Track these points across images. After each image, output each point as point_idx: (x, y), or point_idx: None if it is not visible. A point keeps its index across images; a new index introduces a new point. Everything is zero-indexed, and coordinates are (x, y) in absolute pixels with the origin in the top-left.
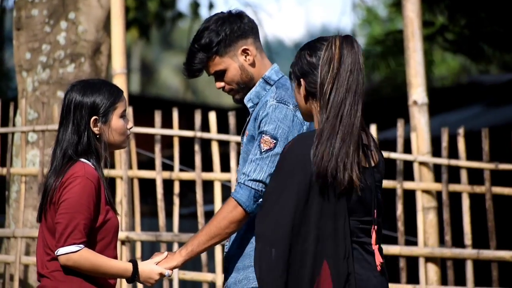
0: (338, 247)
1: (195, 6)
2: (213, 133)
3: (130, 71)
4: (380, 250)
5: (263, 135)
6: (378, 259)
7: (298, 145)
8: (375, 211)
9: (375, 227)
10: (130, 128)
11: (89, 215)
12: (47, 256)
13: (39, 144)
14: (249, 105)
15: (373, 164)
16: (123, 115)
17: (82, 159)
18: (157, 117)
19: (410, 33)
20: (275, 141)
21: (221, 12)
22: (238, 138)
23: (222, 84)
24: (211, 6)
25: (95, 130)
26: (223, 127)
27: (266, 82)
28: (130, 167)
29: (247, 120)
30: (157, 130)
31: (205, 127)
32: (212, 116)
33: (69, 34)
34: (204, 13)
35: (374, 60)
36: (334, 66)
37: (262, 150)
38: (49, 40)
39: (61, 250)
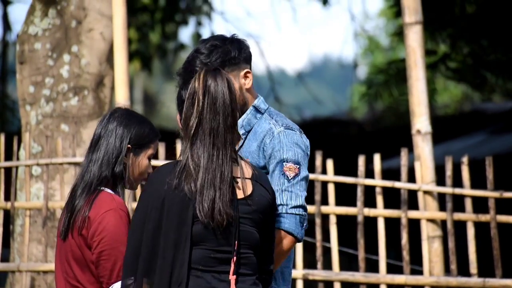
0: (174, 274)
1: (197, 37)
2: None
3: (133, 102)
4: (241, 281)
5: (284, 163)
6: None
7: (158, 176)
8: (236, 242)
9: (234, 258)
10: (150, 173)
11: None
12: None
13: (43, 178)
14: (241, 132)
15: (241, 196)
16: (150, 158)
17: (106, 189)
18: (161, 149)
19: (413, 62)
20: (298, 166)
21: (222, 35)
22: None
23: None
24: None
25: (124, 159)
26: None
27: (257, 110)
28: (134, 199)
29: (239, 146)
30: (162, 162)
31: None
32: None
33: (72, 67)
34: None
35: (376, 89)
36: (197, 100)
37: (290, 178)
38: (52, 73)
39: (115, 286)
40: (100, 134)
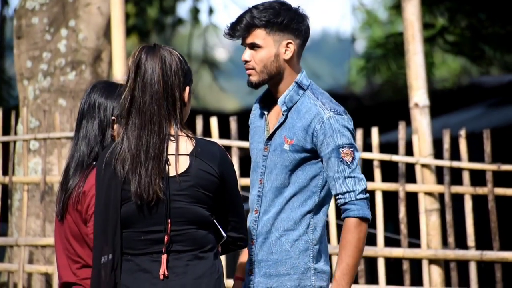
0: (109, 260)
1: (195, 12)
2: (214, 138)
3: None
4: (175, 258)
5: (340, 149)
6: (162, 269)
7: (100, 157)
8: (170, 220)
9: (166, 237)
10: None
11: None
12: (76, 264)
13: (41, 152)
14: (283, 108)
15: (173, 173)
16: None
17: None
18: None
19: (411, 36)
20: (352, 149)
21: (287, 2)
22: (239, 143)
23: (249, 58)
24: (211, 11)
25: (111, 131)
26: (224, 132)
27: (299, 86)
28: None
29: (280, 122)
30: None
31: (207, 132)
32: (214, 121)
33: (70, 42)
34: (204, 19)
35: (374, 63)
36: (129, 78)
37: (349, 163)
38: (50, 48)
39: None
40: (84, 111)
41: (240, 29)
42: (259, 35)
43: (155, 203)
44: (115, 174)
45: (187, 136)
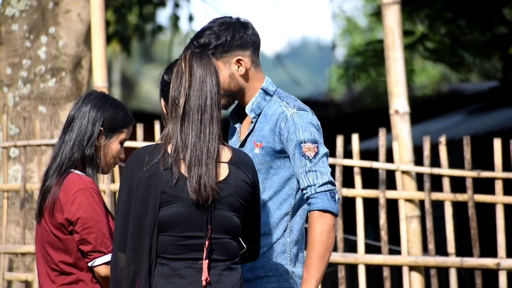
0: (143, 262)
1: (175, 19)
2: None
3: (111, 84)
4: (212, 267)
5: (302, 144)
6: (204, 274)
7: (134, 158)
8: (209, 227)
9: (207, 243)
10: (122, 158)
11: (106, 220)
12: (54, 272)
13: (21, 160)
14: (251, 115)
15: (217, 180)
16: (122, 143)
17: (75, 171)
18: (139, 130)
19: (391, 43)
20: (316, 145)
21: (229, 17)
22: None
23: None
24: (191, 18)
25: (96, 141)
26: None
27: (266, 93)
28: (113, 180)
29: (250, 129)
30: (139, 144)
31: None
32: None
33: (50, 49)
34: (184, 26)
35: (354, 70)
36: (184, 80)
37: (311, 157)
38: (30, 55)
39: (98, 261)
40: (74, 116)
41: None
42: None
43: (198, 208)
44: (158, 175)
45: (223, 144)
